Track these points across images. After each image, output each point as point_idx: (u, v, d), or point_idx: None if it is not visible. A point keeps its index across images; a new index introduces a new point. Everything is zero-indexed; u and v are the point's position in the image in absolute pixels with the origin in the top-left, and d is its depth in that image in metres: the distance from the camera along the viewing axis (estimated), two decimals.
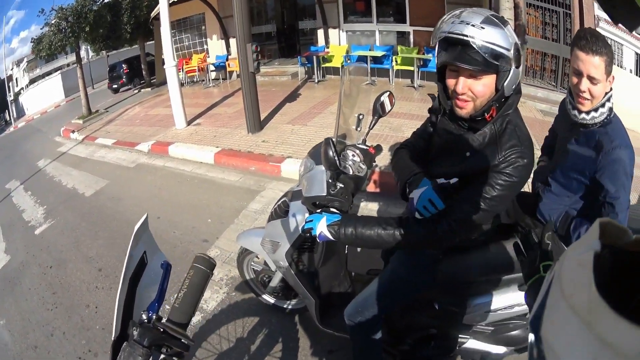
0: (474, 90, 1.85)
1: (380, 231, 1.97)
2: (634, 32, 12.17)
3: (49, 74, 62.53)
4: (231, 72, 17.98)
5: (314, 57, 14.12)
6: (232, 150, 8.75)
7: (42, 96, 51.94)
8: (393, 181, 5.88)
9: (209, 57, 19.54)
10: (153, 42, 23.65)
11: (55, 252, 7.23)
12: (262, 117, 10.10)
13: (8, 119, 59.22)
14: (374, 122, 2.71)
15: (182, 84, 12.82)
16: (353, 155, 2.47)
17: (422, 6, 12.80)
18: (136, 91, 25.39)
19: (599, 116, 2.40)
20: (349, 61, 13.62)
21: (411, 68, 11.87)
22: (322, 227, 2.00)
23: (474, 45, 1.72)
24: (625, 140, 2.38)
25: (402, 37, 13.80)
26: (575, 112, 2.47)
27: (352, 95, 3.01)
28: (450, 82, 1.90)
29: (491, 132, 1.95)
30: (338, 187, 2.24)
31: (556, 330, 0.47)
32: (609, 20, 12.90)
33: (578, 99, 2.43)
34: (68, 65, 63.76)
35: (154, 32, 22.29)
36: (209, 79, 18.65)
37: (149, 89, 23.96)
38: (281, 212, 2.70)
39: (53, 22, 18.71)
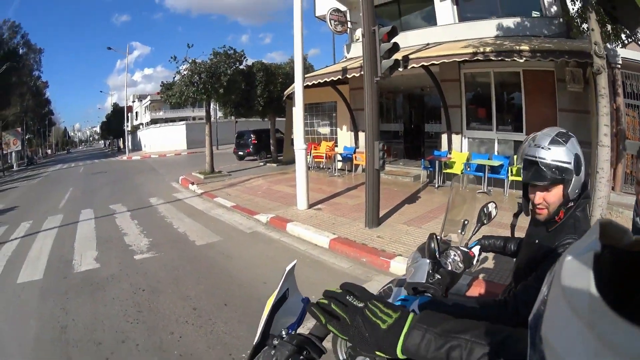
0: (547, 200, 2.34)
1: (460, 312, 2.18)
2: None
3: (172, 120, 65.24)
4: (357, 165, 18.02)
5: (437, 161, 14.22)
6: (347, 239, 8.86)
7: (163, 139, 53.92)
8: (493, 288, 6.04)
9: (337, 146, 19.71)
10: (284, 119, 23.88)
11: (151, 280, 7.66)
12: (381, 214, 10.18)
13: (122, 147, 61.43)
14: (477, 228, 3.16)
15: (308, 168, 12.98)
16: (454, 255, 2.78)
17: (537, 115, 13.01)
18: (261, 163, 26.37)
19: None
20: (468, 169, 13.71)
21: None
22: (414, 305, 2.25)
23: (542, 166, 2.24)
24: None
25: (519, 146, 13.51)
26: None
27: (462, 202, 3.37)
28: (531, 196, 2.43)
29: (556, 225, 2.40)
30: (436, 277, 2.55)
31: (556, 330, 0.49)
32: None
33: None
34: (194, 118, 66.51)
35: (286, 109, 22.62)
36: (335, 168, 19.01)
37: (275, 164, 24.81)
38: (385, 295, 2.94)
39: (186, 73, 19.59)
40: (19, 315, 6.87)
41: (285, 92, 20.07)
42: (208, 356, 5.06)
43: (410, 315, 1.23)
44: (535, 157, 2.26)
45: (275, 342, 1.49)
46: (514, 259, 2.94)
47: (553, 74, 12.59)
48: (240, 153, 29.58)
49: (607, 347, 0.39)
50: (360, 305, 1.27)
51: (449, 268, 2.69)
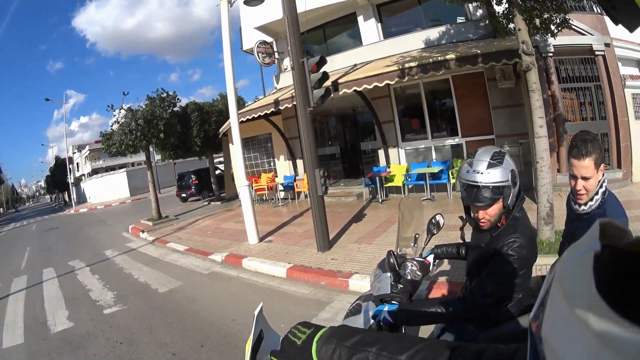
0: (489, 214, 2.67)
1: (427, 310, 2.58)
2: None
3: (112, 168, 64.70)
4: (299, 192, 18.24)
5: (377, 177, 14.46)
6: (303, 266, 9.08)
7: (106, 189, 53.33)
8: (453, 288, 6.76)
9: (277, 176, 19.90)
10: (221, 155, 24.22)
11: (126, 332, 7.61)
12: (331, 236, 10.41)
13: (67, 200, 60.28)
14: (428, 239, 3.54)
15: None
16: (411, 265, 3.04)
17: (471, 116, 13.55)
18: (206, 203, 26.35)
19: (595, 203, 2.89)
20: (409, 179, 14.00)
21: None
22: (384, 313, 2.60)
23: (482, 189, 2.55)
24: (616, 212, 2.88)
25: (457, 149, 14.22)
26: (577, 206, 3.01)
27: (409, 219, 3.74)
28: (473, 212, 2.75)
29: (499, 230, 2.73)
30: (399, 287, 2.88)
31: (556, 330, 0.49)
32: (634, 75, 12.98)
33: (577, 197, 2.95)
34: (132, 164, 65.69)
35: (222, 146, 22.88)
36: (278, 198, 19.22)
37: (219, 202, 24.83)
38: (355, 311, 3.15)
39: (123, 121, 19.69)
40: None
41: (220, 130, 20.35)
42: None
43: (322, 330, 1.43)
44: (476, 182, 2.56)
45: None
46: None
47: (483, 74, 13.11)
48: (183, 195, 29.88)
49: (607, 347, 0.40)
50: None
51: (409, 278, 3.00)
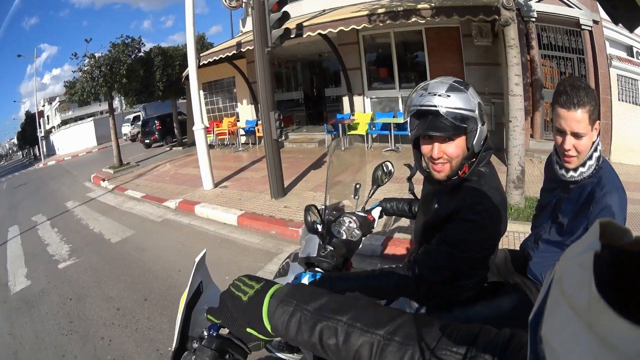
0: (448, 153, 2.03)
1: (356, 284, 2.02)
2: None
3: (81, 118, 63.50)
4: (260, 137, 17.64)
5: (340, 124, 14.29)
6: (254, 214, 8.91)
7: (74, 139, 52.93)
8: (411, 245, 6.04)
9: (239, 121, 19.72)
10: (185, 100, 24.01)
11: (76, 287, 7.59)
12: (287, 183, 10.29)
13: (38, 154, 60.06)
14: (373, 190, 2.94)
15: (212, 146, 13.13)
16: (349, 222, 2.61)
17: (442, 71, 12.80)
18: (168, 148, 26.50)
19: (587, 170, 2.36)
20: (373, 128, 13.80)
21: None
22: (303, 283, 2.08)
23: (442, 113, 1.93)
24: (614, 184, 2.31)
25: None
26: (563, 171, 2.45)
27: (347, 164, 3.31)
28: (426, 149, 2.08)
29: (456, 185, 2.13)
30: (328, 249, 2.38)
31: (556, 330, 0.49)
32: (621, 57, 12.82)
33: (564, 158, 2.38)
34: (101, 113, 64.86)
35: (186, 91, 22.43)
36: (239, 143, 18.94)
37: (181, 147, 24.90)
38: (284, 272, 2.72)
39: (86, 69, 19.58)
40: None
41: (183, 74, 19.69)
42: (137, 355, 5.11)
43: (275, 287, 1.19)
44: (432, 106, 1.95)
45: (195, 345, 1.41)
46: None
47: (458, 29, 12.74)
48: (147, 141, 29.82)
49: (607, 347, 0.39)
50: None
51: (344, 237, 2.53)
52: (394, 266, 2.14)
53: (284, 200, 9.59)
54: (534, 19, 11.84)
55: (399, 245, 6.35)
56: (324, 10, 14.86)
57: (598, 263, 0.46)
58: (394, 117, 13.54)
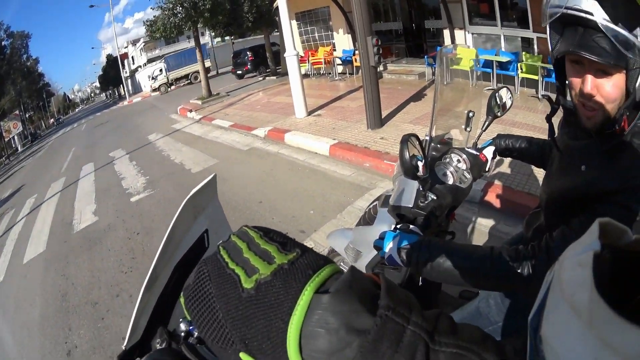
0: (603, 93, 1.35)
1: (464, 264, 1.47)
2: None
3: (170, 55, 65.51)
4: (357, 67, 16.83)
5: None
6: (348, 144, 8.50)
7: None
8: (514, 197, 5.25)
9: (335, 50, 19.37)
10: (278, 33, 23.74)
11: (146, 221, 7.70)
12: (384, 114, 9.75)
13: (123, 93, 62.25)
14: (488, 122, 2.22)
15: (307, 76, 13.18)
16: (458, 161, 1.98)
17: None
18: (261, 78, 25.85)
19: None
20: (479, 65, 13.03)
21: (536, 77, 11.20)
22: (392, 249, 1.58)
23: (601, 27, 1.23)
24: None
25: (527, 42, 13.16)
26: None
27: (459, 88, 2.64)
28: (575, 80, 1.41)
29: (614, 147, 1.38)
30: (429, 198, 1.76)
31: (556, 330, 0.45)
32: None
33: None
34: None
35: (278, 22, 22.13)
36: (336, 73, 18.46)
37: (274, 77, 24.43)
38: (369, 218, 2.29)
39: (166, 5, 19.69)
40: (26, 296, 6.87)
41: (274, 4, 19.16)
42: None
43: (327, 269, 0.59)
44: (585, 13, 1.24)
45: (157, 344, 0.97)
46: (541, 169, 2.10)
47: None
48: (239, 72, 29.80)
49: (607, 347, 0.37)
50: None
51: (451, 181, 1.90)
52: (514, 247, 1.48)
53: (380, 132, 8.98)
54: None
55: (503, 193, 5.52)
56: None
57: (598, 263, 0.44)
58: (496, 54, 12.88)
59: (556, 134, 1.71)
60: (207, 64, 39.66)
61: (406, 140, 1.56)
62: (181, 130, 15.81)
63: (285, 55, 11.86)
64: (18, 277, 7.76)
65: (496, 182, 5.72)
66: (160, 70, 45.73)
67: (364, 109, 9.49)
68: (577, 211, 1.41)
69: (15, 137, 62.81)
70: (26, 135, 69.29)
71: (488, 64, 12.67)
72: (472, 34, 14.34)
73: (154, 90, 44.83)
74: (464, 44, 14.10)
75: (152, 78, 47.07)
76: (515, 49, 13.22)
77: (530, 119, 8.61)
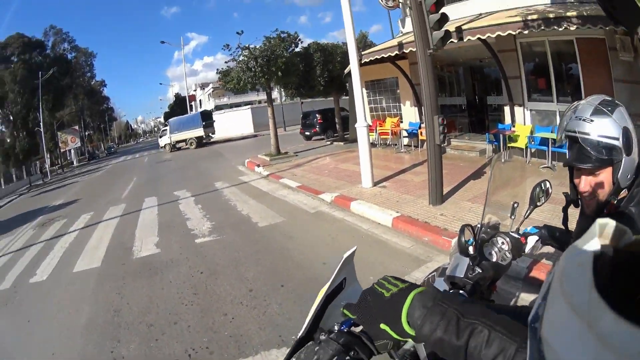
0: (595, 187, 1.91)
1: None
2: None
3: (237, 105, 66.63)
4: (422, 141, 16.93)
5: (501, 135, 13.80)
6: (410, 218, 8.69)
7: (229, 124, 54.83)
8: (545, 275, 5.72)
9: (402, 122, 19.38)
10: (347, 97, 23.99)
11: (211, 263, 7.92)
12: (445, 190, 9.99)
13: None
14: (529, 211, 2.71)
15: (374, 145, 13.23)
16: (502, 243, 2.41)
17: (594, 85, 12.14)
18: (328, 142, 26.39)
19: None
20: (532, 143, 13.14)
21: None
22: None
23: (581, 142, 1.82)
24: None
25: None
26: None
27: (506, 181, 3.08)
28: (577, 181, 2.02)
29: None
30: (476, 271, 2.20)
31: (556, 330, 0.49)
32: None
33: None
34: (259, 102, 67.24)
35: (348, 87, 22.63)
36: (401, 144, 18.58)
37: (342, 143, 24.71)
38: (428, 285, 2.46)
39: (241, 59, 20.19)
40: (72, 302, 7.31)
41: (345, 70, 19.58)
42: (257, 337, 5.18)
43: (421, 288, 1.18)
44: (576, 133, 1.84)
45: (322, 337, 1.39)
46: None
47: (604, 41, 11.90)
48: (307, 133, 29.93)
49: (607, 347, 0.40)
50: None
51: (494, 259, 2.35)
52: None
53: (440, 208, 9.30)
54: None
55: (545, 271, 5.92)
56: (480, 14, 14.56)
57: (598, 263, 0.48)
58: (551, 132, 12.79)
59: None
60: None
61: (463, 229, 2.19)
62: (248, 183, 16.13)
63: (356, 125, 12.11)
64: (65, 283, 8.34)
65: (543, 260, 6.10)
66: (164, 131, 48.22)
67: (427, 185, 9.80)
68: None
69: (72, 151, 63.76)
70: (83, 152, 71.62)
71: (544, 141, 12.63)
72: (531, 110, 14.38)
73: (162, 147, 47.41)
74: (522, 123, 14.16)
75: (160, 136, 49.85)
76: None
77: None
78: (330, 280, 1.58)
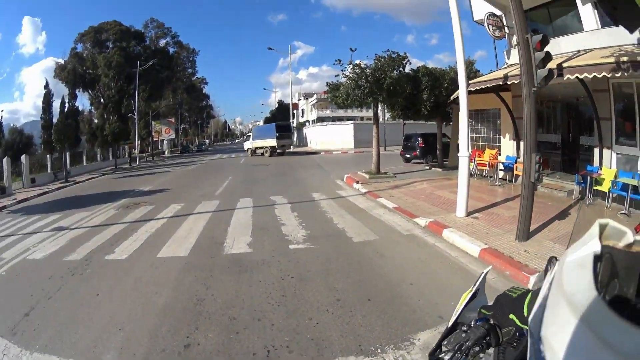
0: None
1: None
2: None
3: (339, 119, 67.09)
4: (517, 176, 17.05)
5: (588, 177, 13.34)
6: (496, 251, 8.82)
7: (330, 137, 55.56)
8: None
9: (500, 154, 19.56)
10: (450, 124, 23.94)
11: (302, 269, 8.17)
12: (532, 227, 9.92)
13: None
14: None
15: (471, 175, 13.28)
16: None
17: None
18: (427, 167, 26.39)
19: None
20: (615, 187, 12.61)
21: None
22: None
23: None
24: None
25: None
26: None
27: (590, 225, 3.51)
28: None
29: None
30: None
31: (556, 330, 0.50)
32: None
33: None
34: (361, 118, 67.95)
35: (451, 115, 22.76)
36: (497, 177, 18.60)
37: (440, 169, 24.69)
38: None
39: (352, 75, 20.37)
40: (151, 284, 7.79)
41: (451, 97, 19.61)
42: (338, 343, 5.38)
43: (534, 290, 1.63)
44: None
45: (465, 327, 1.82)
46: None
47: None
48: (407, 155, 30.07)
49: (607, 347, 0.43)
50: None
51: None
52: None
53: (525, 244, 9.31)
54: None
55: None
56: (578, 51, 14.19)
57: (598, 264, 0.53)
58: (632, 177, 12.33)
59: None
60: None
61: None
62: (346, 198, 16.45)
63: (459, 154, 12.32)
64: (146, 266, 8.77)
65: None
66: (249, 136, 51.27)
67: (516, 220, 9.90)
68: None
69: (165, 142, 66.84)
70: (176, 144, 74.25)
71: (625, 187, 12.13)
72: (617, 154, 13.93)
73: (246, 150, 52.97)
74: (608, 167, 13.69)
75: (245, 140, 53.09)
76: None
77: None
78: (472, 288, 2.10)
